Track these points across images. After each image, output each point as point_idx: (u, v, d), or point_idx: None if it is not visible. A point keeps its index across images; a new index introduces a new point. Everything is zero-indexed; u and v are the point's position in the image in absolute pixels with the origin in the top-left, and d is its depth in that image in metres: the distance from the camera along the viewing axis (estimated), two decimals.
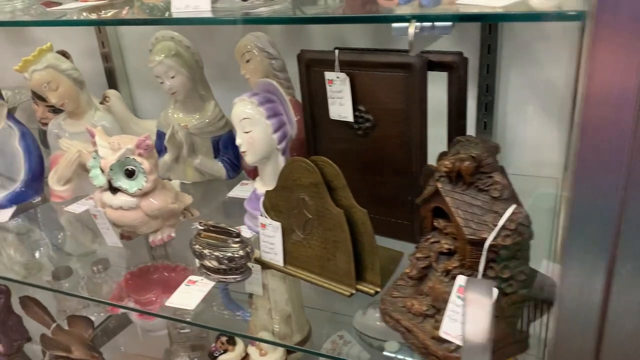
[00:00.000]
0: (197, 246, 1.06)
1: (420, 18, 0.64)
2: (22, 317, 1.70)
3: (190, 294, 1.05)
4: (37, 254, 1.40)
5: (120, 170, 1.11)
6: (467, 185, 0.80)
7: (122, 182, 1.11)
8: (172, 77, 1.35)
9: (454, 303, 0.80)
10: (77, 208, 1.40)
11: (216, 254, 1.04)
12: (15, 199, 1.44)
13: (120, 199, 1.12)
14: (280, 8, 0.87)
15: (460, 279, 0.79)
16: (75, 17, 1.04)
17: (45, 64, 1.32)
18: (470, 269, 0.81)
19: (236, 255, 1.04)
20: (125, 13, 0.99)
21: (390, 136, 1.05)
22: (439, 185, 0.82)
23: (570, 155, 1.28)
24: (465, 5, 0.66)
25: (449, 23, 0.71)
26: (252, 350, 1.50)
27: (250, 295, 1.18)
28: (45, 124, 1.68)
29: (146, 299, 1.29)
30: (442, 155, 0.87)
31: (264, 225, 1.09)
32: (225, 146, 1.46)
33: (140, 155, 1.10)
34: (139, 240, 1.28)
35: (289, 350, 1.52)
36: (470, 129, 1.27)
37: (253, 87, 1.31)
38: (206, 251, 1.05)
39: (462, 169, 0.79)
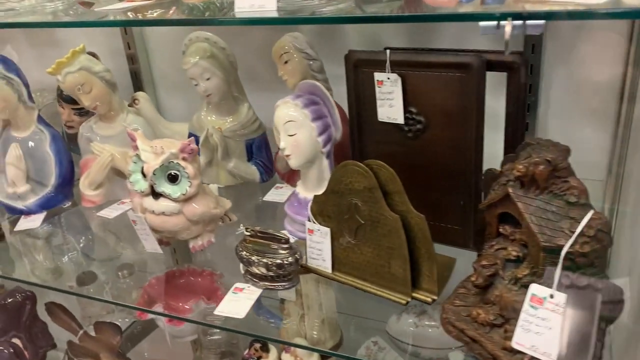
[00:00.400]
0: (244, 252, 1.04)
1: (512, 16, 0.61)
2: (47, 324, 1.68)
3: (238, 302, 1.02)
4: (67, 260, 1.37)
5: (163, 174, 1.08)
6: (540, 190, 0.77)
7: (165, 187, 1.08)
8: (207, 79, 1.32)
9: (527, 312, 0.77)
10: (109, 213, 1.37)
11: (264, 260, 1.01)
12: (46, 204, 1.41)
13: (162, 204, 1.09)
14: (344, 7, 0.84)
15: (534, 288, 0.76)
16: (119, 18, 1.00)
17: (79, 66, 1.29)
18: (542, 277, 0.78)
19: (285, 262, 1.01)
20: (171, 13, 0.96)
21: (443, 139, 1.02)
22: (510, 190, 0.79)
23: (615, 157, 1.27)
24: (550, 2, 0.63)
25: (542, 22, 0.68)
26: (286, 357, 1.47)
27: (282, 301, 1.15)
28: (71, 127, 1.65)
29: (176, 304, 1.26)
30: (509, 159, 0.84)
31: (311, 231, 1.06)
32: (258, 149, 1.43)
33: (184, 159, 1.07)
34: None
35: (323, 357, 1.50)
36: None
37: (291, 89, 1.28)
38: (254, 257, 1.02)
39: (536, 173, 0.76)
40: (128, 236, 1.37)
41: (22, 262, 1.38)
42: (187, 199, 1.09)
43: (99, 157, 1.36)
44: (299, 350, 1.45)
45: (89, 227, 1.42)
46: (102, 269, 1.32)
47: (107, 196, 1.41)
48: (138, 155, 1.09)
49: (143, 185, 1.10)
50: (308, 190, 1.16)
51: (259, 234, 1.04)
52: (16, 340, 1.62)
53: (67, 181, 1.42)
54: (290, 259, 1.01)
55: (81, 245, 1.40)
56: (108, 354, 1.55)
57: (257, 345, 1.44)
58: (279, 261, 1.00)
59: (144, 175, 1.09)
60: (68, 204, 1.44)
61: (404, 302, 0.97)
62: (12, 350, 1.55)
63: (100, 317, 1.76)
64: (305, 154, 1.11)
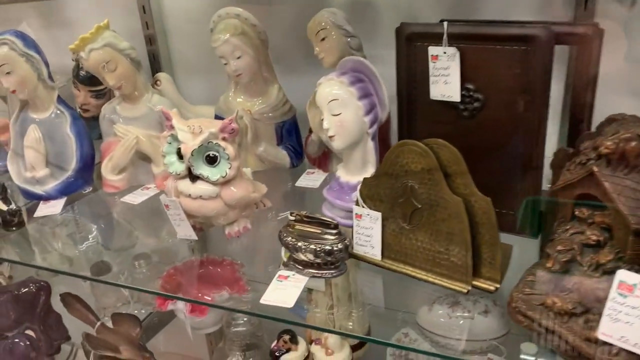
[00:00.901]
0: (289, 238, 0.97)
1: None
2: (61, 315, 1.61)
3: (285, 290, 0.95)
4: (85, 248, 1.29)
5: (201, 156, 1.01)
6: (629, 168, 0.72)
7: (203, 169, 1.02)
8: (238, 58, 1.25)
9: (614, 301, 0.71)
10: (134, 199, 1.30)
11: (313, 246, 0.95)
12: (66, 190, 1.34)
13: (200, 187, 1.03)
14: None
15: (622, 274, 0.71)
16: None
17: (103, 43, 1.22)
18: (630, 263, 0.72)
19: (335, 249, 0.94)
20: None
21: (502, 118, 0.96)
22: (596, 169, 0.73)
23: None
24: None
25: None
26: (316, 349, 1.42)
27: (310, 290, 1.08)
28: (87, 110, 1.59)
29: (197, 294, 1.20)
30: (588, 137, 0.78)
31: (359, 216, 1.00)
32: (289, 133, 1.36)
33: (224, 139, 1.00)
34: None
35: (353, 350, 1.45)
36: (555, 114, 1.18)
37: (327, 68, 1.22)
38: (301, 243, 0.96)
39: (627, 150, 0.70)
40: (153, 223, 1.31)
41: (39, 249, 1.31)
42: (225, 182, 1.03)
43: (123, 140, 1.29)
44: (329, 341, 1.39)
45: (111, 213, 1.35)
46: (118, 259, 1.26)
47: (130, 181, 1.34)
48: (174, 136, 1.03)
49: (179, 167, 1.03)
50: (350, 174, 1.10)
51: (305, 219, 0.97)
52: (30, 332, 1.55)
53: (88, 165, 1.35)
54: (339, 245, 0.94)
55: (103, 233, 1.34)
56: (128, 346, 1.48)
57: (286, 337, 1.38)
58: (328, 247, 0.94)
59: (179, 156, 1.03)
60: (89, 189, 1.37)
61: (464, 290, 0.91)
62: (28, 343, 1.48)
63: (115, 309, 1.69)
64: (351, 135, 1.04)
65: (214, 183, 1.02)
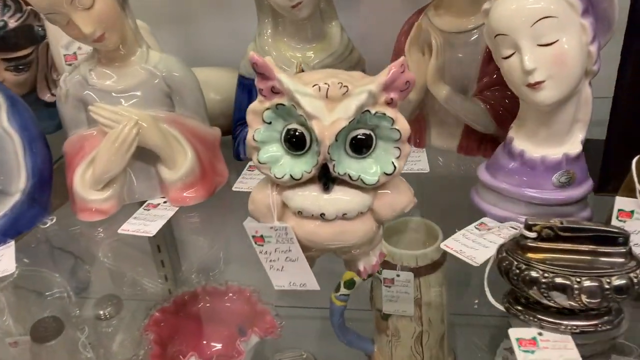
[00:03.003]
0: (534, 272, 0.53)
1: None
2: None
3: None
4: None
5: (343, 141, 0.53)
6: None
7: (349, 164, 0.54)
8: None
9: None
10: (143, 227, 0.76)
11: (591, 282, 0.52)
12: (13, 226, 0.77)
13: (342, 198, 0.55)
14: None
15: None
16: None
17: None
18: None
19: (636, 280, 0.52)
20: None
21: None
22: None
23: None
24: None
25: None
26: None
27: (385, 316, 0.73)
28: None
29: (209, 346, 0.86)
30: None
31: (627, 214, 0.58)
32: None
33: (389, 104, 0.53)
34: None
35: None
36: None
37: None
38: (561, 280, 0.52)
39: None
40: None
41: None
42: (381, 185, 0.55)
43: (112, 132, 0.75)
44: None
45: (98, 258, 0.81)
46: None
47: (122, 199, 0.81)
48: (283, 107, 0.53)
49: (296, 166, 0.54)
50: (545, 143, 0.68)
51: (561, 231, 0.54)
52: None
53: (46, 180, 0.79)
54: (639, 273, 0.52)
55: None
56: None
57: None
58: (622, 281, 0.52)
59: (293, 146, 0.54)
60: (49, 220, 0.81)
61: None
62: None
63: None
64: (573, 77, 0.62)
65: (372, 187, 0.54)
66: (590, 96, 0.65)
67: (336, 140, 0.52)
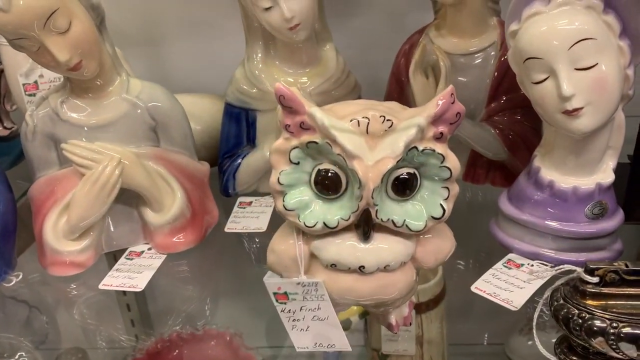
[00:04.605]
0: (596, 321, 0.48)
1: None
2: None
3: None
4: None
5: (386, 182, 0.46)
6: None
7: (392, 209, 0.47)
8: None
9: None
10: (129, 281, 0.67)
11: None
12: None
13: (382, 247, 0.48)
14: None
15: None
16: None
17: None
18: None
19: None
20: None
21: None
22: None
23: None
24: None
25: None
26: None
27: (383, 357, 0.66)
28: None
29: None
30: None
31: None
32: None
33: (437, 139, 0.46)
34: None
35: None
36: None
37: None
38: (629, 329, 0.47)
39: None
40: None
41: None
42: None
43: (90, 173, 0.66)
44: None
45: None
46: None
47: (99, 249, 0.71)
48: (313, 144, 0.46)
49: (327, 213, 0.47)
50: (575, 172, 0.63)
51: (628, 275, 0.48)
52: None
53: (9, 231, 0.68)
54: None
55: None
56: None
57: None
58: None
59: (325, 189, 0.47)
60: (13, 278, 0.70)
61: None
62: None
63: None
64: (613, 102, 0.57)
65: (417, 232, 0.48)
66: (623, 122, 0.61)
67: (381, 182, 0.45)
